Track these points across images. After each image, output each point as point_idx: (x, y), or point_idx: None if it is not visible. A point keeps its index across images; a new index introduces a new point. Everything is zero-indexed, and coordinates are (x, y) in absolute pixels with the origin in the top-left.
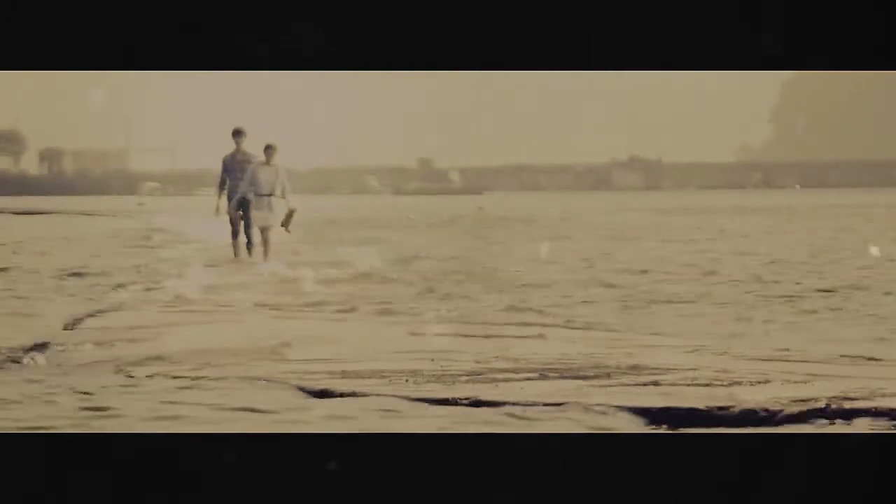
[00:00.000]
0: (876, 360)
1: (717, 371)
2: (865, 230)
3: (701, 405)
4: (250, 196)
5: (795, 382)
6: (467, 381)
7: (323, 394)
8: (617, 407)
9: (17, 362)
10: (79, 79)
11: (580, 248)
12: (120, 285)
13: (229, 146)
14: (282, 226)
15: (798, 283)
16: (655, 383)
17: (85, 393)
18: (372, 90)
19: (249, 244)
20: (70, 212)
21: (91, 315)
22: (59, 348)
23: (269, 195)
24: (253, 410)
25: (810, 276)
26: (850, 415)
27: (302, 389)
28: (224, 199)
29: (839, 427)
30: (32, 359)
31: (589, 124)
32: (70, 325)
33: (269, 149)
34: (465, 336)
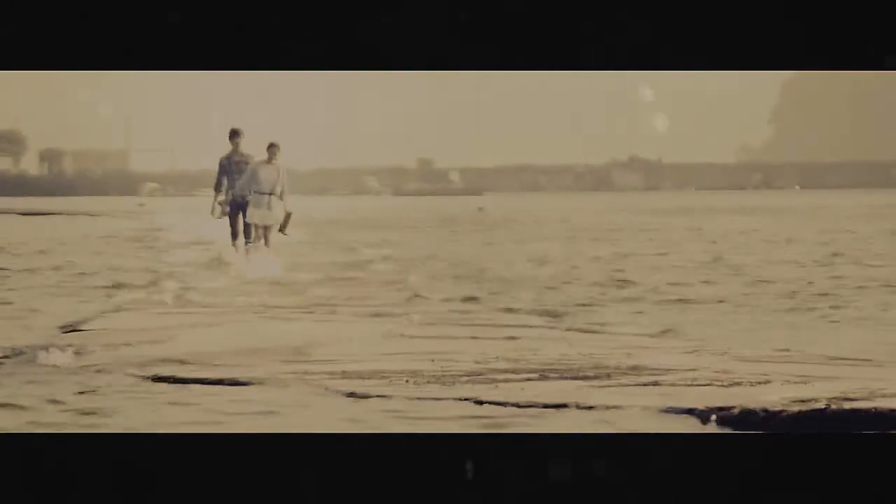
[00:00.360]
0: (875, 361)
1: (717, 371)
2: (866, 231)
3: (701, 405)
4: (248, 196)
5: (795, 383)
6: (467, 382)
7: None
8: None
9: (33, 360)
10: (79, 79)
11: (579, 249)
12: (123, 286)
13: (229, 146)
14: (279, 230)
15: (798, 283)
16: (655, 383)
17: (81, 392)
18: (372, 90)
19: (248, 244)
20: (73, 213)
21: (94, 317)
22: (71, 349)
23: (269, 194)
24: (267, 412)
25: (810, 277)
26: (849, 415)
27: (338, 391)
28: (221, 200)
29: (839, 428)
30: (47, 358)
31: (589, 124)
32: (71, 328)
33: (271, 147)
34: (462, 338)
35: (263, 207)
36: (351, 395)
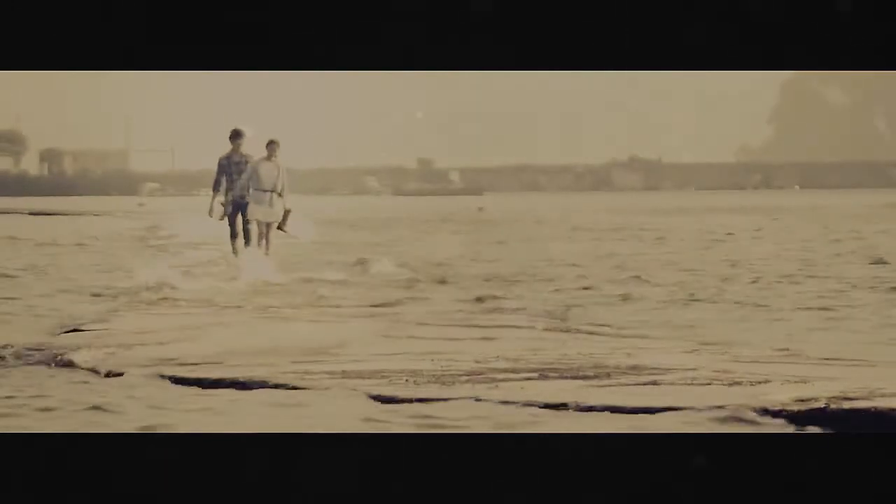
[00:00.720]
0: (875, 361)
1: (717, 371)
2: (866, 231)
3: (701, 405)
4: (248, 196)
5: (795, 382)
6: (467, 382)
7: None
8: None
9: (36, 360)
10: (79, 79)
11: (579, 249)
12: (122, 287)
13: (228, 146)
14: (278, 227)
15: (798, 283)
16: (655, 383)
17: (69, 385)
18: (372, 90)
19: (247, 243)
20: (75, 213)
21: (96, 318)
22: (93, 349)
23: (271, 191)
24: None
25: (810, 276)
26: (849, 415)
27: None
28: (220, 199)
29: (839, 427)
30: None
31: (589, 124)
32: (72, 328)
33: (271, 144)
34: (462, 338)
35: (265, 204)
36: (353, 391)
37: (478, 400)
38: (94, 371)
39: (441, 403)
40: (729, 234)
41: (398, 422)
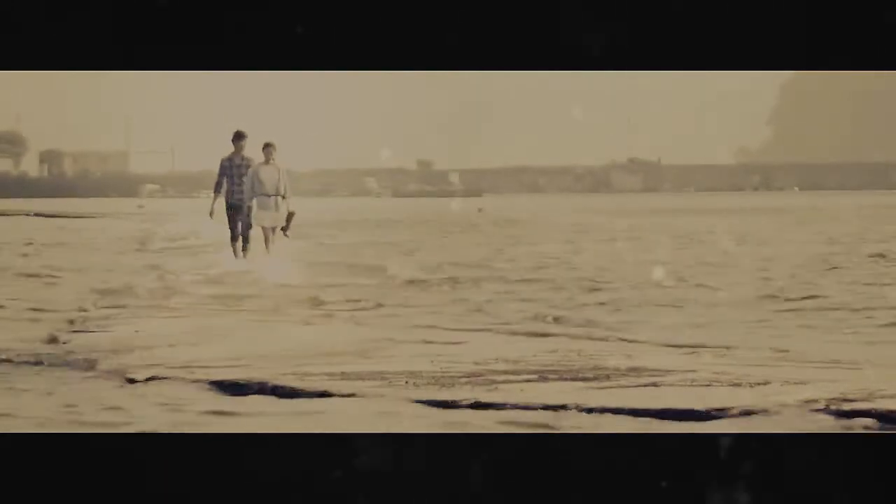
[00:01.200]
0: (875, 362)
1: (717, 372)
2: (867, 232)
3: (700, 406)
4: (250, 202)
5: (795, 384)
6: (467, 383)
7: (324, 394)
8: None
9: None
10: (79, 79)
11: (579, 249)
12: (116, 288)
13: (230, 147)
14: (281, 230)
15: (798, 284)
16: (654, 385)
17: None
18: (372, 90)
19: (246, 246)
20: (80, 215)
21: (104, 320)
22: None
23: (274, 195)
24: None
25: (811, 277)
26: (848, 416)
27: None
28: (220, 201)
29: (838, 427)
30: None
31: (588, 125)
32: (72, 331)
33: (267, 147)
34: (462, 340)
35: (271, 209)
36: (351, 395)
37: (478, 402)
38: (98, 371)
39: (436, 403)
40: (725, 234)
41: (398, 422)
